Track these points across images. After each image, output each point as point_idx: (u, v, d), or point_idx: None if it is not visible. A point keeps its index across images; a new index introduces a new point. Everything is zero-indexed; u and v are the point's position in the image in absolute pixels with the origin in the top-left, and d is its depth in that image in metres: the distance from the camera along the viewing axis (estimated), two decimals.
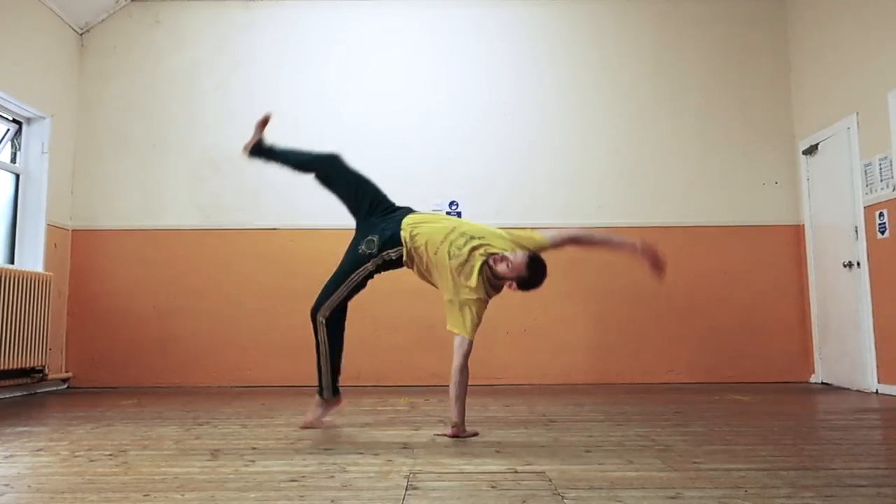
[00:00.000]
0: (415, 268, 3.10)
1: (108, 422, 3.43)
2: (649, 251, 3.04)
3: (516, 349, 5.42)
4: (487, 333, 5.73)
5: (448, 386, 2.91)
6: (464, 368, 2.88)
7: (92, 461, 2.44)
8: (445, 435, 2.89)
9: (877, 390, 4.60)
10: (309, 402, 3.28)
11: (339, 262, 3.20)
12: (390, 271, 3.18)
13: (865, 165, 4.75)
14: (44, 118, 5.22)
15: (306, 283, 5.57)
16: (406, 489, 2.00)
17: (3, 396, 4.62)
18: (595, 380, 5.40)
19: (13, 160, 5.17)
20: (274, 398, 4.50)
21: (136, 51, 5.75)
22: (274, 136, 5.63)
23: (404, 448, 2.66)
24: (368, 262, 3.10)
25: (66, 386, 5.33)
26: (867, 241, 4.72)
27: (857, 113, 4.84)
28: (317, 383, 3.23)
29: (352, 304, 6.01)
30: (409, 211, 3.20)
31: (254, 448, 2.68)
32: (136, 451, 2.62)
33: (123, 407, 4.06)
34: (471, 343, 2.90)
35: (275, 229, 5.55)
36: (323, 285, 3.18)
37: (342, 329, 3.21)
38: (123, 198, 5.60)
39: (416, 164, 5.61)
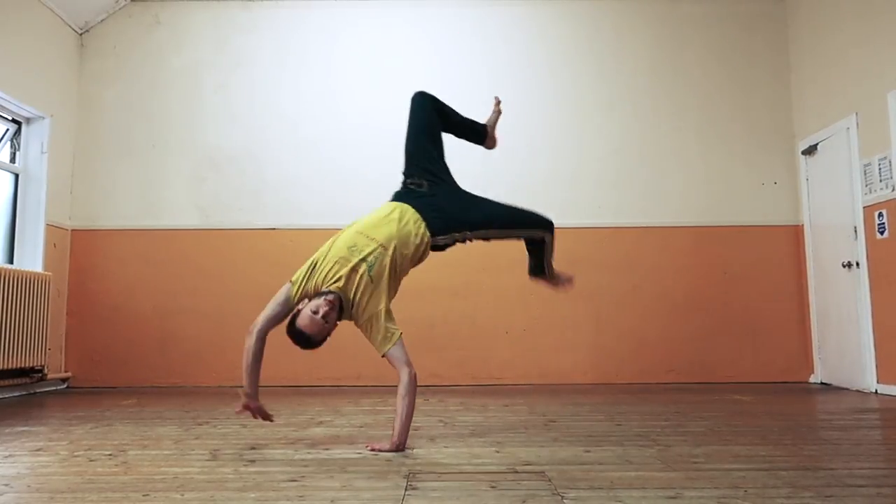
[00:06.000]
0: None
1: (108, 422, 3.43)
2: None
3: (516, 349, 5.42)
4: (487, 333, 5.79)
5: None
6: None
7: (92, 461, 2.44)
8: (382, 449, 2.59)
9: (876, 390, 4.61)
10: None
11: None
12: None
13: (865, 166, 4.75)
14: (43, 118, 5.22)
15: None
16: (406, 489, 2.00)
17: (2, 396, 4.62)
18: (595, 380, 5.40)
19: (13, 160, 5.17)
20: (274, 398, 4.49)
21: (136, 51, 5.75)
22: (274, 136, 5.71)
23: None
24: None
25: (65, 386, 5.33)
26: (866, 241, 4.72)
27: (857, 113, 4.84)
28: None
29: None
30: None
31: (254, 448, 2.68)
32: (136, 451, 2.62)
33: (123, 407, 4.06)
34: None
35: (275, 229, 5.55)
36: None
37: None
38: (123, 198, 5.59)
39: None
